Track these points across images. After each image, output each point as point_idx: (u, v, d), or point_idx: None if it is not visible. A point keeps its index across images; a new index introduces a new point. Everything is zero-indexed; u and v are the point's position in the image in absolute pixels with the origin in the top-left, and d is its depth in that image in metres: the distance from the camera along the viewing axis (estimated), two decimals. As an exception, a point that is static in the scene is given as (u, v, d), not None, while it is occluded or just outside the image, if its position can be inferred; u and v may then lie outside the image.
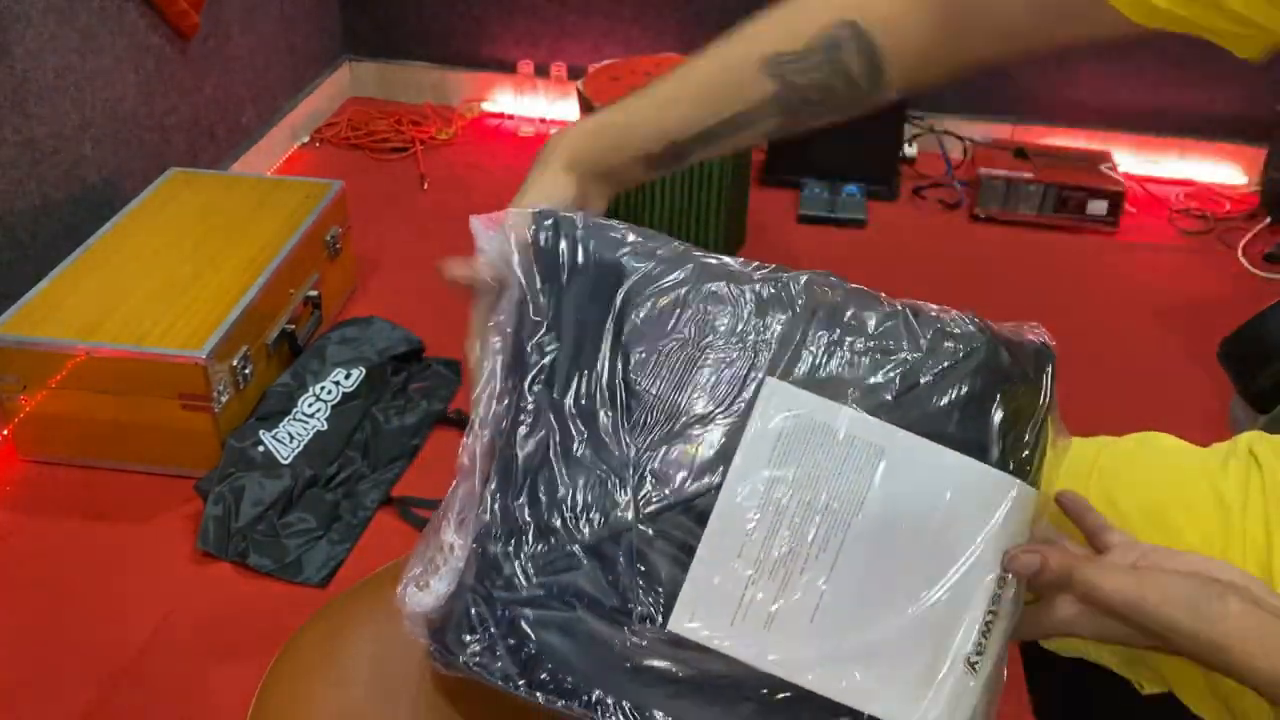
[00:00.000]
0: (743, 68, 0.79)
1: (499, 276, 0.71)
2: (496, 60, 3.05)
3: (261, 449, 1.79)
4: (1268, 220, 2.68)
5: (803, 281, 0.69)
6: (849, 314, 0.68)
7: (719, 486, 0.65)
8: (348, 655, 0.78)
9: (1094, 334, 2.27)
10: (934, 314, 0.70)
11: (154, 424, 1.78)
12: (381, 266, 2.40)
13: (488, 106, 3.09)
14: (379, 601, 0.80)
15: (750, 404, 0.66)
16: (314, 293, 2.11)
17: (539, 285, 0.69)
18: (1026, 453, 0.68)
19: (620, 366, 0.67)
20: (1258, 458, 0.80)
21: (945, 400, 0.67)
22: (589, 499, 0.65)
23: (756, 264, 0.70)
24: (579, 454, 0.66)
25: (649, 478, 0.65)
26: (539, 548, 0.65)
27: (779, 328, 0.67)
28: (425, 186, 2.74)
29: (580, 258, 0.69)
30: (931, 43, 0.79)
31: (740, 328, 0.67)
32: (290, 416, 1.87)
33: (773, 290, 0.69)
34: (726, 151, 0.84)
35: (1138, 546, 0.69)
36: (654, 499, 0.65)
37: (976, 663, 0.65)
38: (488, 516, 0.66)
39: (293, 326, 2.01)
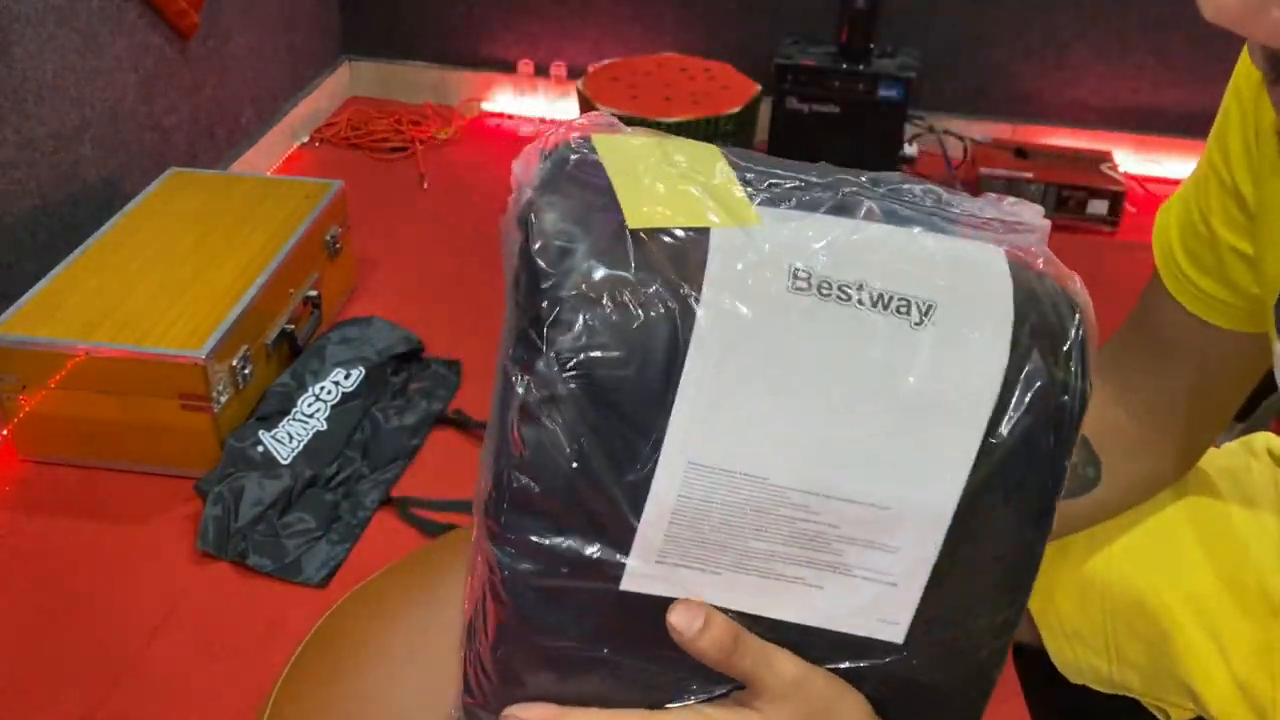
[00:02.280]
0: None
1: None
2: (496, 60, 3.05)
3: (261, 449, 1.79)
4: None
5: None
6: None
7: None
8: (363, 656, 0.78)
9: (1094, 334, 2.27)
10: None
11: (154, 424, 1.78)
12: (381, 266, 2.40)
13: (488, 106, 3.09)
14: (388, 601, 0.80)
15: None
16: (314, 293, 2.11)
17: None
18: None
19: None
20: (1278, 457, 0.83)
21: None
22: None
23: None
24: None
25: None
26: None
27: None
28: (425, 186, 2.74)
29: None
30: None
31: None
32: (290, 416, 1.87)
33: None
34: None
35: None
36: None
37: None
38: None
39: (292, 326, 2.01)
